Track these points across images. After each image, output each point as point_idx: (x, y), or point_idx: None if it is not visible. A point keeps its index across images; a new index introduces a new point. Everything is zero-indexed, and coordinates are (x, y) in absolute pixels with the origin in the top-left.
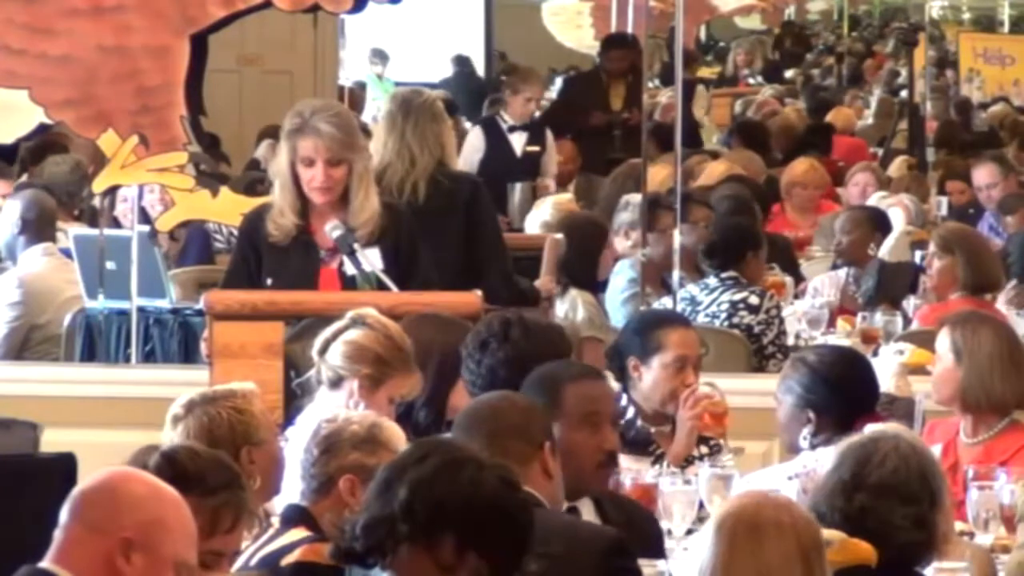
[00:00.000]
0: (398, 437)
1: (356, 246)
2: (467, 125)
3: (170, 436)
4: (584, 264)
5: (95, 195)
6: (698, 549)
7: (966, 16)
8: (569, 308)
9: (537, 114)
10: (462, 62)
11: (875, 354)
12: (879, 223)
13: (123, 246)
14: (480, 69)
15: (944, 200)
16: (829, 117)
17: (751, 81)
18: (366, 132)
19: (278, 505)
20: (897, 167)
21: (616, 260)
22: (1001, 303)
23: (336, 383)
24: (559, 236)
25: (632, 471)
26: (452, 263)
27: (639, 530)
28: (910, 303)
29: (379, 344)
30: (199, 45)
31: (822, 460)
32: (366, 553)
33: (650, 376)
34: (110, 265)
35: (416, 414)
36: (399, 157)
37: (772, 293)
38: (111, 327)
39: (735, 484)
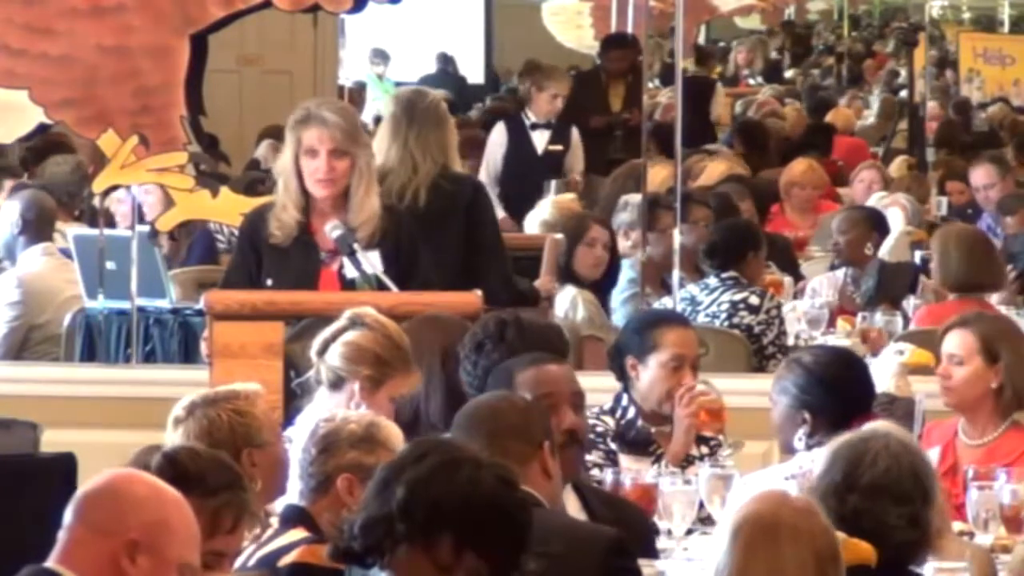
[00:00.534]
0: (396, 436)
1: (356, 247)
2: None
3: (171, 438)
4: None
5: (95, 195)
6: (714, 550)
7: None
8: (569, 307)
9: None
10: (445, 60)
11: (875, 354)
12: (876, 223)
13: (123, 246)
14: (473, 68)
15: (944, 200)
16: (829, 117)
17: (751, 81)
18: (367, 132)
19: (277, 505)
20: (897, 167)
21: (598, 259)
22: (995, 301)
23: (336, 384)
24: (559, 236)
25: (632, 471)
26: (452, 265)
27: (630, 529)
28: (910, 303)
29: (379, 345)
30: (199, 45)
31: (818, 461)
32: (364, 553)
33: (647, 375)
34: (110, 265)
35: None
36: (402, 164)
37: (773, 293)
38: (111, 327)
39: (735, 484)
